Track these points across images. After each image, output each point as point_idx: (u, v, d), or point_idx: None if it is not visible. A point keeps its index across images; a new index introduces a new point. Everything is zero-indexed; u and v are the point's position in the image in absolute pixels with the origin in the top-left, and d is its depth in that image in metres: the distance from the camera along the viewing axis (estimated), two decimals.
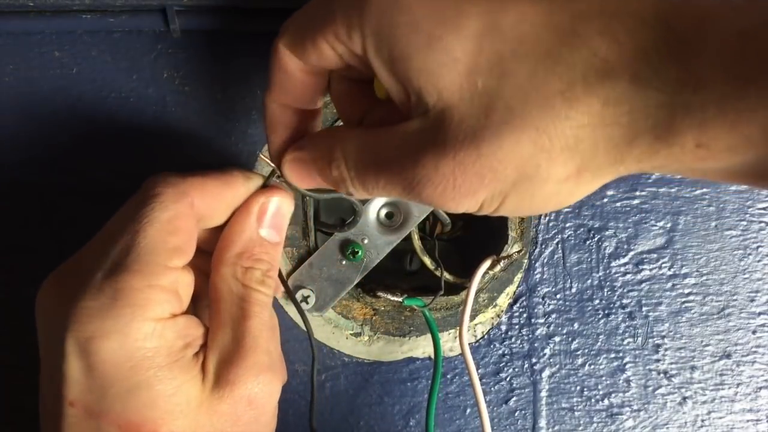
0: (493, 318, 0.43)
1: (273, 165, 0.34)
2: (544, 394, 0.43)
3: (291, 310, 0.42)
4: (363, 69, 0.29)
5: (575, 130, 0.24)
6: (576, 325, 0.43)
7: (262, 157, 0.35)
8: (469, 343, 0.41)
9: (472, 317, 0.43)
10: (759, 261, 0.44)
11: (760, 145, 0.22)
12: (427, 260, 0.43)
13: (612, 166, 0.25)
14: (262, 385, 0.31)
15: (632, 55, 0.23)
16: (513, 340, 0.43)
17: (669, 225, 0.44)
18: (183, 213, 0.31)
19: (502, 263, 0.42)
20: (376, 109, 0.31)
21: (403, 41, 0.25)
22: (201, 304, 0.35)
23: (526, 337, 0.43)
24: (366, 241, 0.41)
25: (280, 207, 0.34)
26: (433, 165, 0.26)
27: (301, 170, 0.32)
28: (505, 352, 0.43)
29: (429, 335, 0.43)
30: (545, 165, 0.25)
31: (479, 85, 0.24)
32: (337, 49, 0.28)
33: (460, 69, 0.24)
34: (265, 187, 0.35)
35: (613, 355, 0.44)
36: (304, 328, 0.43)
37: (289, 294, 0.39)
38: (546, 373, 0.43)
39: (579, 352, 0.43)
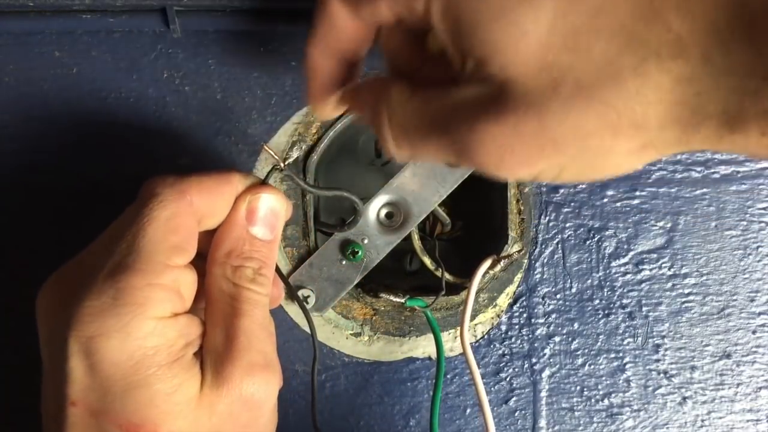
0: (493, 318, 0.43)
1: (274, 155, 0.34)
2: (544, 394, 0.43)
3: (291, 310, 0.42)
4: (420, 25, 0.27)
5: (644, 107, 0.23)
6: (576, 325, 0.43)
7: (266, 148, 0.35)
8: (469, 343, 0.41)
9: (472, 317, 0.43)
10: (759, 261, 0.44)
11: None
12: (427, 260, 0.43)
13: (676, 147, 0.24)
14: (257, 385, 0.31)
15: (705, 32, 0.22)
16: (513, 340, 0.43)
17: (669, 225, 0.44)
18: (182, 211, 0.31)
19: (502, 263, 0.42)
20: (428, 64, 0.30)
21: (472, 7, 0.24)
22: (201, 306, 0.35)
23: (526, 337, 0.43)
24: (366, 241, 0.41)
25: (270, 204, 0.34)
26: (491, 134, 0.25)
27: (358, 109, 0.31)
28: (505, 352, 0.43)
29: (429, 335, 0.43)
30: (609, 140, 0.24)
31: (549, 59, 0.23)
32: (395, 9, 0.27)
33: (531, 43, 0.23)
34: (263, 184, 0.34)
35: (613, 355, 0.44)
36: (304, 327, 0.43)
37: (290, 290, 0.39)
38: (546, 373, 0.43)
39: (579, 352, 0.43)
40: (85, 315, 0.29)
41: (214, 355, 0.31)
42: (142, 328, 0.29)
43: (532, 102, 0.24)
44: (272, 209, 0.34)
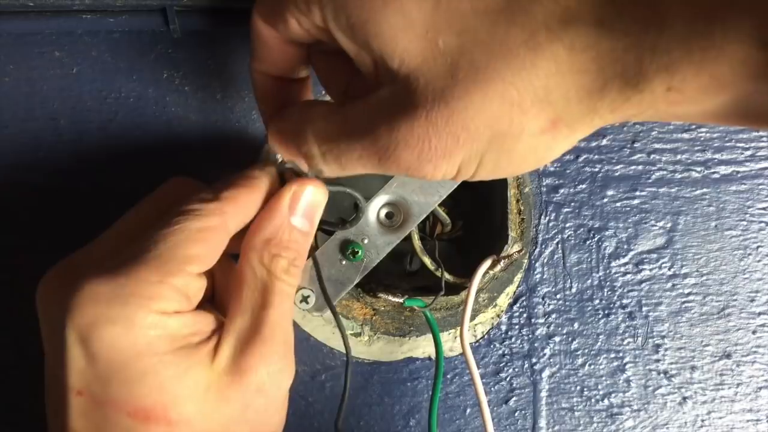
0: (493, 318, 0.43)
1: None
2: (544, 394, 0.43)
3: None
4: (333, 41, 0.29)
5: (543, 80, 0.24)
6: (576, 325, 0.43)
7: (269, 148, 0.35)
8: (469, 343, 0.41)
9: (472, 317, 0.43)
10: (759, 261, 0.44)
11: (730, 86, 0.22)
12: (427, 260, 0.43)
13: (586, 117, 0.25)
14: (272, 375, 0.31)
15: None
16: (513, 340, 0.43)
17: (669, 225, 0.44)
18: (214, 227, 0.31)
19: (502, 263, 0.42)
20: (357, 80, 0.31)
21: (358, 6, 0.25)
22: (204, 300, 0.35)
23: (526, 337, 0.43)
24: (366, 241, 0.41)
25: (313, 196, 0.34)
26: (408, 128, 0.25)
27: (282, 141, 0.32)
28: (505, 352, 0.43)
29: (429, 335, 0.43)
30: (517, 119, 0.24)
31: (440, 45, 0.24)
32: (302, 23, 0.28)
33: (417, 30, 0.24)
34: (304, 176, 0.34)
35: (613, 355, 0.44)
36: (305, 328, 0.43)
37: (327, 300, 0.38)
38: (546, 373, 0.43)
39: (579, 352, 0.43)
40: (89, 299, 0.29)
41: (236, 342, 0.31)
42: (146, 319, 0.29)
43: (436, 91, 0.24)
44: (313, 201, 0.34)
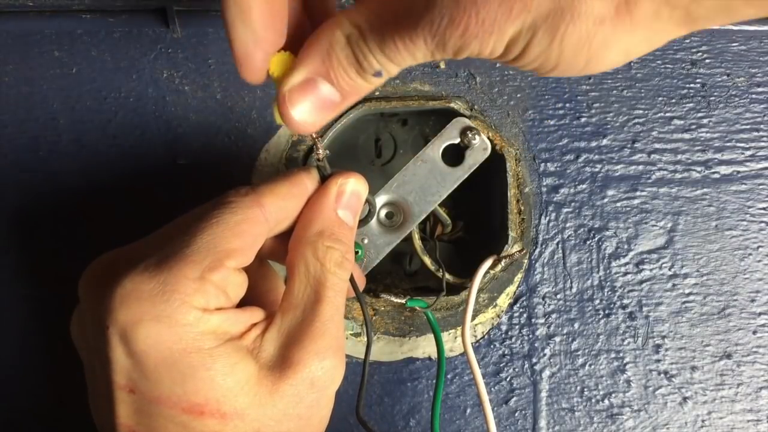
0: (493, 318, 0.43)
1: (318, 147, 0.33)
2: (544, 394, 0.43)
3: None
4: None
5: None
6: (576, 326, 0.43)
7: (314, 136, 0.34)
8: (470, 343, 0.41)
9: (472, 317, 0.43)
10: (759, 261, 0.44)
11: None
12: (428, 260, 0.43)
13: (654, 6, 0.23)
14: (325, 369, 0.31)
15: None
16: (513, 340, 0.43)
17: (669, 225, 0.43)
18: (252, 218, 0.31)
19: (503, 263, 0.42)
20: None
21: None
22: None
23: (526, 338, 0.43)
24: (366, 241, 0.41)
25: (356, 188, 0.34)
26: (453, 2, 0.23)
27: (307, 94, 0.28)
28: (505, 352, 0.43)
29: (429, 335, 0.43)
30: None
31: None
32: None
33: None
34: (324, 172, 0.35)
35: (613, 356, 0.44)
36: None
37: (356, 291, 0.38)
38: (546, 373, 0.43)
39: (579, 353, 0.43)
40: (132, 298, 0.29)
41: (287, 336, 0.31)
42: (188, 316, 0.29)
43: None
44: (357, 195, 0.35)
